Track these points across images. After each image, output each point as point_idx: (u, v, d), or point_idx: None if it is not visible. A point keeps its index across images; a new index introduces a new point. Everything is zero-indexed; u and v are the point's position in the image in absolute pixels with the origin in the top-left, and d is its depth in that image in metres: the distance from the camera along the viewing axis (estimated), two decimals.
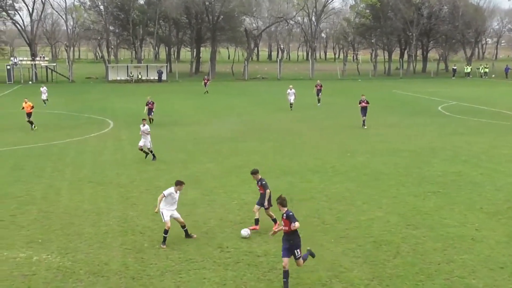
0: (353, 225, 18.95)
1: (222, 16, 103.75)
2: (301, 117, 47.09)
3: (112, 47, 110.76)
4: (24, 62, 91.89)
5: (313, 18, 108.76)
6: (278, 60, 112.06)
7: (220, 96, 66.55)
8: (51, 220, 19.60)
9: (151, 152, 29.39)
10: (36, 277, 14.93)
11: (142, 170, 27.14)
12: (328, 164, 28.16)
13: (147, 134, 29.06)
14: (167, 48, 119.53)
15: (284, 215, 13.83)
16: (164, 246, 16.82)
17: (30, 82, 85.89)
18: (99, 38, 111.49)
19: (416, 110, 51.90)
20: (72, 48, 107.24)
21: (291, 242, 13.83)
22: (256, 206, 18.41)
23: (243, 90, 76.32)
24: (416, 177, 25.48)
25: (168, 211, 16.95)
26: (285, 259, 13.73)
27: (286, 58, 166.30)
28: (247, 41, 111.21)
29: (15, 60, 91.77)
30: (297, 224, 13.45)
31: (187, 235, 17.54)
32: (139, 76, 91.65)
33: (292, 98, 51.66)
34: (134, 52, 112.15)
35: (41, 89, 56.30)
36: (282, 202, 14.13)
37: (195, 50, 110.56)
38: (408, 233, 18.16)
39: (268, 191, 18.02)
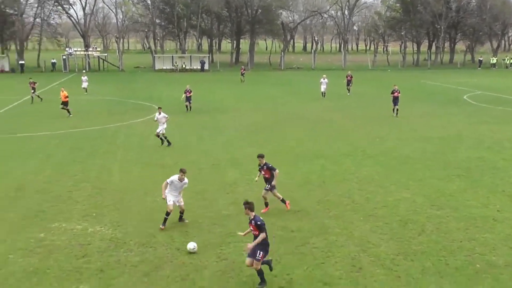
0: (381, 205, 19.02)
1: (260, 10, 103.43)
2: (333, 106, 46.84)
3: (158, 38, 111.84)
4: (78, 53, 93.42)
5: (346, 12, 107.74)
6: (313, 51, 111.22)
7: (257, 85, 66.51)
8: (104, 196, 20.16)
9: (165, 138, 29.09)
10: (91, 247, 15.44)
11: (185, 153, 27.53)
12: (359, 149, 28.13)
13: (164, 122, 28.87)
14: (209, 39, 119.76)
15: (253, 221, 12.84)
16: (163, 227, 16.75)
17: (84, 71, 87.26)
18: (146, 30, 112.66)
19: (443, 100, 51.09)
20: (121, 40, 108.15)
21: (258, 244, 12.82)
22: (264, 191, 18.38)
23: (279, 79, 76.14)
24: (442, 162, 25.30)
25: (172, 196, 16.82)
26: (248, 260, 12.98)
27: (320, 50, 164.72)
28: (284, 33, 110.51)
29: (70, 51, 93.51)
30: (263, 235, 12.69)
31: (180, 219, 17.47)
32: (183, 66, 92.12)
33: (324, 87, 51.46)
34: (178, 43, 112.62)
35: (82, 78, 57.04)
36: (250, 207, 13.02)
37: (235, 41, 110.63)
38: (433, 213, 18.16)
39: (277, 171, 18.09)
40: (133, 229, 16.79)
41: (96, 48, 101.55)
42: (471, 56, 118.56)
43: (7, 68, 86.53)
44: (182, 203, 17.22)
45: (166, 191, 16.82)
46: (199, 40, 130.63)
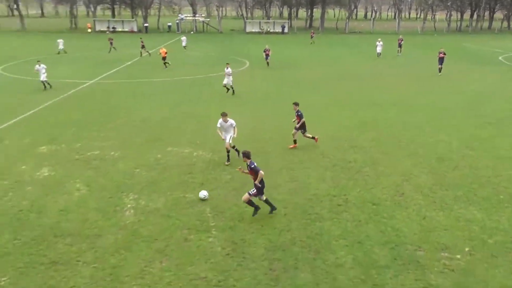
0: (422, 145, 18.20)
1: None
2: (387, 64, 44.74)
3: (249, 7, 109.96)
4: (187, 18, 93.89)
5: None
6: (372, 19, 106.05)
7: (325, 46, 64.49)
8: (206, 129, 20.48)
9: (232, 88, 28.17)
10: (195, 166, 15.85)
11: (268, 98, 27.41)
12: (405, 100, 26.85)
13: (230, 75, 27.87)
14: (288, 8, 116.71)
15: (248, 167, 11.84)
16: (228, 163, 15.96)
17: (192, 32, 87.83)
18: (239, 0, 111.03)
19: (481, 60, 47.54)
20: (220, 8, 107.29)
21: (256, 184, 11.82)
22: (294, 130, 17.74)
23: (343, 41, 73.39)
24: (476, 112, 23.76)
25: (225, 135, 16.18)
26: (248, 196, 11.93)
27: (378, 17, 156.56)
28: (349, 3, 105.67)
29: (182, 16, 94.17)
30: (261, 172, 11.70)
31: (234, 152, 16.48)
32: (268, 29, 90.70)
33: (379, 49, 49.11)
34: (264, 11, 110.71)
35: (182, 38, 57.17)
36: (245, 155, 11.89)
37: (309, 10, 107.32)
38: (466, 153, 17.21)
39: (303, 119, 17.38)
40: (224, 153, 16.98)
41: (201, 14, 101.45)
42: (508, 23, 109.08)
43: (135, 29, 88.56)
44: (229, 141, 15.98)
45: (223, 133, 16.17)
46: (281, 9, 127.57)
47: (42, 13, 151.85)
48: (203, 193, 13.12)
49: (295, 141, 17.90)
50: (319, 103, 25.88)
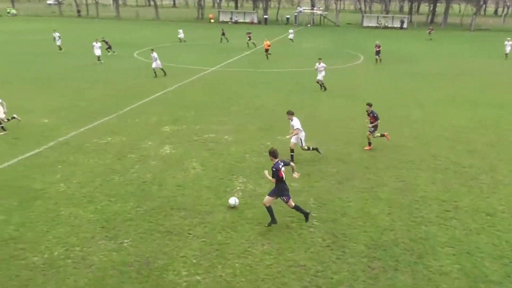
0: None
1: None
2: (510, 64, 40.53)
3: (368, 1, 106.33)
4: (305, 11, 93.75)
5: None
6: (503, 15, 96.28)
7: (445, 43, 60.15)
8: (314, 122, 20.25)
9: (323, 84, 26.74)
10: (301, 157, 15.73)
11: (380, 92, 26.39)
12: None
13: (322, 70, 26.36)
14: (410, 2, 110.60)
15: (273, 168, 10.62)
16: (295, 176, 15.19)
17: (308, 25, 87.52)
18: None
19: None
20: (339, 1, 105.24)
21: (279, 188, 10.78)
22: (368, 132, 16.64)
23: (467, 39, 67.77)
24: None
25: (295, 136, 15.08)
26: (268, 198, 10.86)
27: (511, 13, 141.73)
28: None
29: (300, 9, 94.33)
30: (272, 179, 10.64)
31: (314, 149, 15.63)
32: (386, 24, 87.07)
33: (508, 49, 44.42)
34: (384, 5, 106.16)
35: (290, 31, 56.74)
36: (272, 154, 10.70)
37: (431, 5, 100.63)
38: None
39: (378, 121, 16.24)
40: (334, 147, 16.80)
41: (319, 7, 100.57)
42: None
43: (255, 21, 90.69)
44: (292, 141, 15.03)
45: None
46: (401, 3, 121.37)
47: (174, 3, 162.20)
48: (233, 200, 11.92)
49: (369, 144, 16.87)
50: (434, 100, 24.35)
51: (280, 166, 10.62)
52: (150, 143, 16.94)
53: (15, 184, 13.03)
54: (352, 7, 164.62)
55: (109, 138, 17.35)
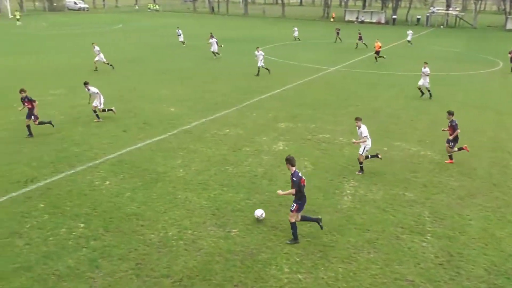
0: None
1: None
2: None
3: None
4: (439, 11, 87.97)
5: None
6: None
7: None
8: (438, 129, 19.01)
9: (428, 90, 24.35)
10: (421, 166, 14.95)
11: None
12: None
13: (427, 75, 23.97)
14: None
15: (291, 176, 9.93)
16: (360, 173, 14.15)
17: (441, 27, 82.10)
18: None
19: None
20: (479, 1, 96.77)
21: (300, 198, 10.05)
22: (447, 145, 15.08)
23: None
24: None
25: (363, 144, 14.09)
26: (293, 214, 10.17)
27: None
28: None
29: (433, 9, 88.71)
30: (292, 190, 9.92)
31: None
32: None
33: None
34: None
35: (408, 32, 52.89)
36: (289, 162, 9.96)
37: None
38: None
39: (458, 130, 14.68)
40: (459, 160, 15.51)
41: (455, 8, 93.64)
42: None
43: (383, 21, 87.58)
44: (359, 152, 14.10)
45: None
46: None
47: (301, 1, 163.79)
48: (259, 213, 11.12)
49: (450, 156, 15.40)
50: (502, 103, 21.35)
51: (300, 174, 9.96)
52: (264, 138, 17.38)
53: (142, 166, 14.31)
54: (494, 8, 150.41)
55: (227, 130, 18.18)
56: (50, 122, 17.64)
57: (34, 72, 29.30)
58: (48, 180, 13.10)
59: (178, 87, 26.14)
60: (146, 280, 8.85)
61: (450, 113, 15.07)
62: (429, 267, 9.47)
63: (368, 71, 33.39)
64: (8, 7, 78.94)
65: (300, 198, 10.02)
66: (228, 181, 13.36)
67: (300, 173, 10.00)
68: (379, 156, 14.56)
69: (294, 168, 9.95)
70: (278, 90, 25.81)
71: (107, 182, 13.06)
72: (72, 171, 13.78)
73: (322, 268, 9.35)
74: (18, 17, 67.17)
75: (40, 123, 17.15)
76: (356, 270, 9.31)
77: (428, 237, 10.57)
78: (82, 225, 10.74)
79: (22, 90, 16.76)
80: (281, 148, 16.32)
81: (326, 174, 14.09)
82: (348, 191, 12.93)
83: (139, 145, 16.26)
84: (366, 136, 13.90)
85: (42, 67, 31.49)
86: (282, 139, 17.25)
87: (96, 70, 30.23)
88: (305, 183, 10.09)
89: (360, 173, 14.13)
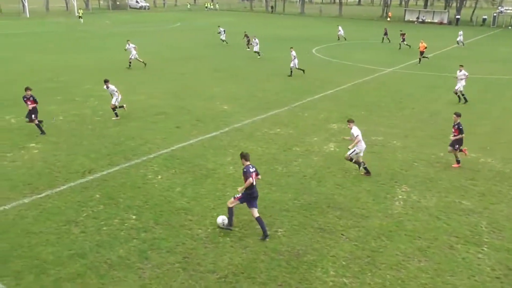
0: None
1: None
2: None
3: None
4: (507, 11, 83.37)
5: None
6: None
7: None
8: (500, 135, 18.14)
9: (462, 95, 22.99)
10: (480, 173, 14.25)
11: None
12: None
13: (462, 79, 22.62)
14: None
15: (244, 169, 10.21)
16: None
17: (510, 27, 77.73)
18: None
19: None
20: None
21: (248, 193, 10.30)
22: (449, 148, 14.40)
23: None
24: None
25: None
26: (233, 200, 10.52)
27: None
28: None
29: (501, 9, 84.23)
30: (250, 180, 10.06)
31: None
32: None
33: None
34: None
35: (459, 32, 49.43)
36: (243, 157, 10.34)
37: None
38: None
39: (463, 135, 14.06)
40: None
41: None
42: None
43: (445, 21, 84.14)
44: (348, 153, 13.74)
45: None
46: None
47: (359, 1, 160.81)
48: (219, 219, 10.68)
49: (458, 161, 14.69)
50: None
51: (251, 169, 10.20)
52: (315, 138, 17.22)
53: (193, 162, 14.62)
54: None
55: (278, 130, 18.18)
56: (43, 132, 16.96)
57: (96, 69, 30.68)
58: (105, 172, 13.69)
59: (231, 85, 26.45)
60: (192, 274, 9.03)
61: (458, 115, 14.55)
62: (485, 280, 9.01)
63: (427, 73, 32.22)
64: (75, 5, 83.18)
65: (249, 189, 10.20)
66: (277, 181, 13.35)
67: (253, 169, 10.25)
68: (369, 174, 13.82)
69: (247, 163, 10.29)
70: (331, 91, 25.50)
71: (159, 176, 13.45)
72: (127, 164, 14.31)
73: (369, 274, 9.14)
74: (80, 14, 70.64)
75: (38, 123, 16.86)
76: (405, 278, 9.02)
77: (485, 249, 10.06)
78: (134, 216, 11.13)
79: (27, 88, 16.57)
80: (332, 149, 16.11)
81: (377, 177, 13.75)
82: (400, 196, 12.56)
83: (191, 141, 16.62)
84: (358, 135, 13.38)
85: (103, 63, 32.92)
86: (333, 140, 17.02)
87: (129, 67, 30.99)
88: (256, 178, 10.28)
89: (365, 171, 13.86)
